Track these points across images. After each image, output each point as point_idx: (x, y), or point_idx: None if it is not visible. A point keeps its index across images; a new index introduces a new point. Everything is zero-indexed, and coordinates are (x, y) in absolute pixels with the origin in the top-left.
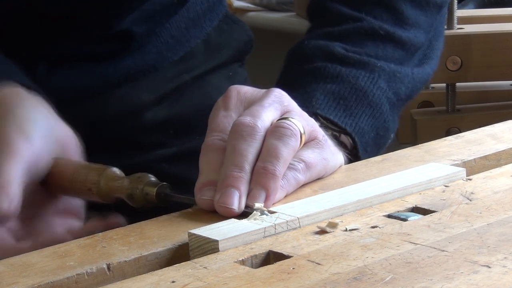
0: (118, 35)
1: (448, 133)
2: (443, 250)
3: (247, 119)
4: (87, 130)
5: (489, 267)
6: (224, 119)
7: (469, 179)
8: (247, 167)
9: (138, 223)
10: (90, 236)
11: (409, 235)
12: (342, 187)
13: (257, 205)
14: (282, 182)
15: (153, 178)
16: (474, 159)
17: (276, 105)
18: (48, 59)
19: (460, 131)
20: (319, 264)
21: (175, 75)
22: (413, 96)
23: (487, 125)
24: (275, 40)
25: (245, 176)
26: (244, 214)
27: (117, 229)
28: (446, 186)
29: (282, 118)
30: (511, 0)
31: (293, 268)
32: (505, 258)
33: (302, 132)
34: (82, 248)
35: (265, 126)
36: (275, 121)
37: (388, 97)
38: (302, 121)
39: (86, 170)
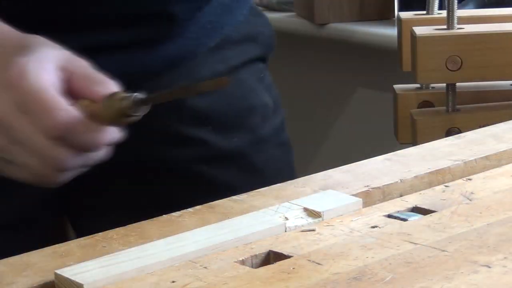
0: (159, 18)
1: (448, 133)
2: (443, 250)
3: None
4: None
5: (489, 267)
6: None
7: (469, 179)
8: None
9: (138, 223)
10: (90, 236)
11: (409, 235)
12: (342, 187)
13: None
14: None
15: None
16: (475, 159)
17: None
18: (86, 48)
19: (460, 131)
20: (319, 264)
21: (210, 64)
22: None
23: (487, 125)
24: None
25: None
26: None
27: (117, 229)
28: (446, 186)
29: None
30: (511, 0)
31: (293, 268)
32: (505, 258)
33: None
34: (82, 248)
35: None
36: None
37: None
38: None
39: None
